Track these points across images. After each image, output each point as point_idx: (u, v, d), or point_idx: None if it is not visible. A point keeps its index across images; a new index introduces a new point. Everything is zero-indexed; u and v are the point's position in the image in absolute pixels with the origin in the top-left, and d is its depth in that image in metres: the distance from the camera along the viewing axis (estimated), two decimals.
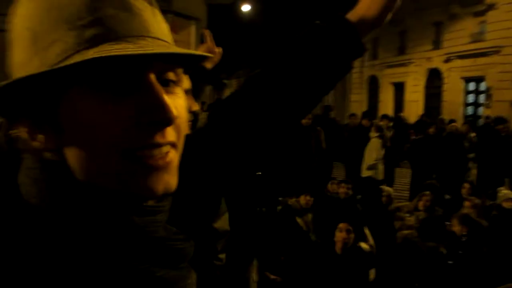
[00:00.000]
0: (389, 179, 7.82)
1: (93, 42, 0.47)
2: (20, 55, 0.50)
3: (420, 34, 21.41)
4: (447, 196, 6.45)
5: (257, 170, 3.22)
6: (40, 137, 0.50)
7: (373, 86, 25.89)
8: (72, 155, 0.50)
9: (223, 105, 0.86)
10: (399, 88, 23.40)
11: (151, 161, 0.50)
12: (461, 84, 19.20)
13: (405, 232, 4.88)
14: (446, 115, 14.43)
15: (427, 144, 8.35)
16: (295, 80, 0.82)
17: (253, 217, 3.29)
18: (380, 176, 7.43)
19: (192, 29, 9.66)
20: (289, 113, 0.84)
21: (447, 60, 19.99)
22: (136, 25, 0.49)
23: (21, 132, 0.50)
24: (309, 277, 3.77)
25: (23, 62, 0.49)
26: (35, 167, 0.51)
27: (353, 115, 10.55)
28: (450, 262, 4.07)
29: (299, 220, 4.52)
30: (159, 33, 0.52)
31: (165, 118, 0.49)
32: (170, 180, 0.52)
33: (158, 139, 0.50)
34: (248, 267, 3.17)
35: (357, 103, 26.36)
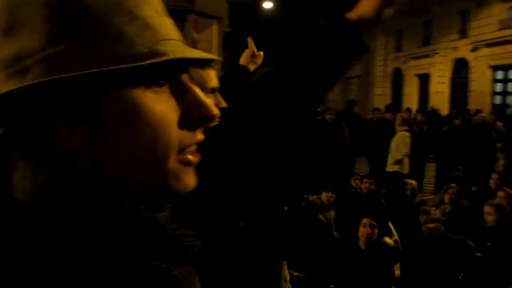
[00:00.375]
0: (417, 174, 7.68)
1: (139, 40, 0.47)
2: (55, 46, 0.45)
3: (446, 23, 20.93)
4: (474, 188, 6.34)
5: (278, 167, 3.23)
6: (66, 135, 0.47)
7: (397, 79, 25.47)
8: (110, 156, 0.48)
9: (235, 103, 0.90)
10: (424, 80, 22.95)
11: (191, 159, 0.52)
12: (489, 73, 18.69)
13: (431, 225, 4.82)
14: (473, 106, 14.11)
15: (453, 136, 8.20)
16: (298, 78, 0.86)
17: (279, 216, 3.32)
18: (406, 170, 7.34)
19: (214, 28, 9.71)
20: (295, 109, 0.88)
21: (474, 49, 19.48)
22: (170, 29, 0.51)
23: (41, 126, 0.46)
24: (333, 273, 3.79)
25: (62, 52, 0.45)
26: (30, 173, 0.47)
27: (377, 109, 10.44)
28: (478, 254, 4.02)
29: (321, 216, 4.53)
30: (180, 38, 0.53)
31: (211, 116, 0.51)
32: (195, 176, 0.54)
33: (199, 137, 0.53)
34: (277, 266, 3.20)
35: (381, 96, 26.00)
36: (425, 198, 5.92)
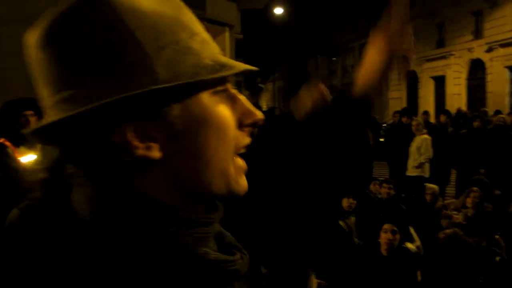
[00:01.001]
0: (439, 178, 7.50)
1: (204, 54, 0.53)
2: (132, 56, 0.49)
3: (459, 24, 20.72)
4: (497, 192, 6.18)
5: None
6: (145, 144, 0.50)
7: (412, 81, 25.25)
8: (184, 159, 0.52)
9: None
10: (439, 82, 22.72)
11: (243, 164, 0.58)
12: (506, 73, 18.41)
13: (447, 231, 4.71)
14: (490, 107, 13.87)
15: (472, 138, 8.04)
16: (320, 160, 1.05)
17: (311, 229, 3.29)
18: (427, 174, 7.20)
19: (226, 35, 9.74)
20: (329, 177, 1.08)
21: (489, 50, 19.23)
22: (215, 44, 0.57)
23: (122, 139, 0.49)
24: (355, 280, 3.70)
25: (137, 62, 0.49)
26: (87, 185, 0.51)
27: (398, 112, 10.28)
28: (498, 258, 3.90)
29: (341, 223, 4.45)
30: None
31: (259, 119, 0.58)
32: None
33: (248, 139, 0.58)
34: (306, 279, 3.17)
35: (396, 100, 25.79)
36: (446, 202, 5.78)
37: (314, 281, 3.39)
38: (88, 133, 0.50)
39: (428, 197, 5.41)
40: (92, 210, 0.50)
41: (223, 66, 0.52)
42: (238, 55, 12.13)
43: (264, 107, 26.16)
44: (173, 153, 0.52)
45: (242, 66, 0.54)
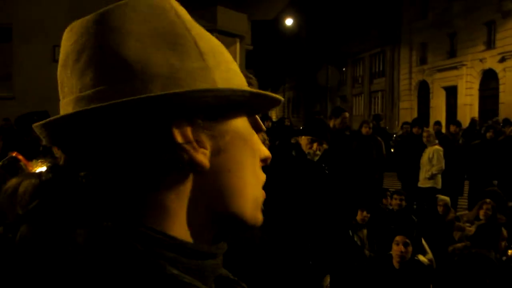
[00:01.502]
0: (451, 189, 7.39)
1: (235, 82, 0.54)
2: (194, 61, 0.50)
3: (471, 35, 20.62)
4: (511, 203, 6.09)
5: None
6: (203, 151, 0.48)
7: (423, 92, 25.12)
8: (224, 175, 0.51)
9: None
10: (451, 93, 22.56)
11: (263, 192, 0.57)
12: None
13: (458, 245, 4.64)
14: (503, 117, 13.71)
15: (485, 149, 7.95)
16: None
17: (332, 234, 3.29)
18: (439, 185, 7.12)
19: (237, 46, 9.81)
20: None
21: (502, 60, 19.09)
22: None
23: (186, 138, 0.48)
24: None
25: (200, 68, 0.50)
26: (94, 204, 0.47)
27: (406, 123, 10.21)
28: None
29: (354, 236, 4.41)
30: None
31: (269, 158, 0.58)
32: None
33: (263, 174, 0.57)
34: (322, 282, 3.17)
35: (407, 110, 25.65)
36: (459, 213, 5.70)
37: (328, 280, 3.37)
38: (139, 128, 0.46)
39: (440, 209, 5.35)
40: (91, 242, 0.45)
41: (259, 91, 0.54)
42: (248, 66, 12.18)
43: (274, 118, 26.14)
44: (216, 166, 0.49)
45: (273, 94, 0.55)
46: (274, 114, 44.86)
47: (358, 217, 4.65)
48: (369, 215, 4.67)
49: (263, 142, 0.60)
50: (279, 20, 26.39)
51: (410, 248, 3.59)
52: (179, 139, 0.47)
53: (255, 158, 0.54)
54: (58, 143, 0.51)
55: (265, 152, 0.56)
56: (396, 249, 3.59)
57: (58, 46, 0.53)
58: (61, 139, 0.50)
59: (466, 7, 20.57)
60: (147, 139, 0.47)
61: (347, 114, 6.28)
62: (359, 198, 5.11)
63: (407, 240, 3.59)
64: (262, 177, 0.56)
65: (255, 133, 0.56)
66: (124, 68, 0.47)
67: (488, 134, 8.15)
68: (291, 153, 3.28)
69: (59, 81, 0.52)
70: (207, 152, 0.49)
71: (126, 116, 0.45)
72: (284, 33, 33.45)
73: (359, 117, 23.16)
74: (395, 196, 5.31)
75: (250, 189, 0.53)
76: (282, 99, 0.58)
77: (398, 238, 3.60)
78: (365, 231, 4.60)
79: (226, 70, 0.52)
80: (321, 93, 25.21)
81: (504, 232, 4.07)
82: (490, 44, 19.93)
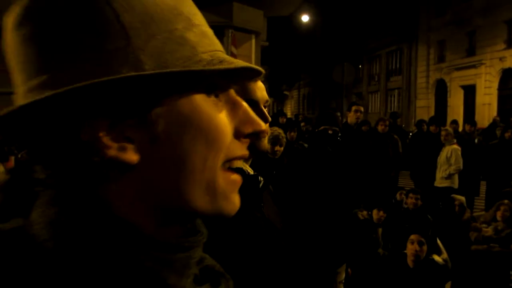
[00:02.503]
0: (468, 189, 7.29)
1: (201, 48, 0.47)
2: (113, 41, 0.44)
3: (491, 33, 20.26)
4: None
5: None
6: (119, 144, 0.44)
7: (441, 90, 24.79)
8: (164, 166, 0.45)
9: None
10: (469, 92, 22.22)
11: (237, 179, 0.51)
12: None
13: (479, 247, 4.58)
14: None
15: (503, 150, 7.81)
16: None
17: (348, 222, 3.34)
18: (456, 185, 7.02)
19: (252, 43, 9.79)
20: None
21: None
22: (218, 41, 0.51)
23: (92, 135, 0.43)
24: None
25: (118, 49, 0.43)
26: (53, 206, 0.44)
27: (423, 121, 10.10)
28: None
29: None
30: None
31: (261, 131, 0.51)
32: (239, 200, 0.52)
33: (246, 151, 0.51)
34: (337, 272, 3.19)
35: (424, 108, 25.35)
36: (475, 214, 5.62)
37: (344, 273, 3.36)
38: (56, 126, 0.43)
39: (456, 209, 5.28)
40: (53, 235, 0.43)
41: (221, 61, 0.46)
42: (264, 62, 12.16)
43: (289, 114, 26.07)
44: (152, 159, 0.45)
45: (242, 63, 0.47)
46: (289, 110, 44.78)
47: (374, 217, 4.62)
48: (385, 214, 4.63)
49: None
50: (295, 17, 26.28)
51: (425, 247, 3.56)
52: (85, 138, 0.43)
53: (209, 141, 0.46)
54: (10, 136, 0.47)
55: (252, 126, 0.50)
56: (410, 248, 3.56)
57: None
58: (11, 133, 0.46)
59: (486, 4, 20.21)
60: (61, 137, 0.44)
61: (358, 108, 6.25)
62: (375, 196, 5.08)
63: (422, 239, 3.55)
64: (236, 157, 0.50)
65: (217, 108, 0.48)
66: (48, 59, 0.43)
67: (507, 134, 8.01)
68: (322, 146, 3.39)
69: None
70: (129, 145, 0.44)
71: (40, 115, 0.42)
72: (300, 29, 33.30)
73: (375, 115, 22.96)
74: (410, 195, 5.25)
75: (198, 176, 0.46)
76: (255, 67, 0.49)
77: (413, 237, 3.57)
78: (380, 230, 4.56)
79: (165, 40, 0.45)
80: (336, 90, 25.06)
81: None
82: (510, 43, 19.56)
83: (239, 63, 0.47)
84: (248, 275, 0.64)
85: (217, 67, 0.45)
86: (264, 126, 0.52)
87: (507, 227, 4.85)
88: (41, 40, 0.43)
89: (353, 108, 6.23)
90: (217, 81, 0.48)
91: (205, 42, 0.48)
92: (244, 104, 0.51)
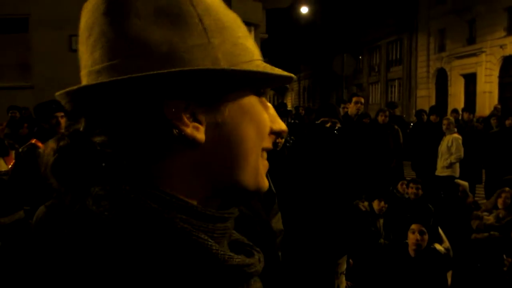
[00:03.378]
0: (469, 177, 7.29)
1: (253, 56, 0.57)
2: (196, 39, 0.52)
3: (491, 21, 20.14)
4: None
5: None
6: (193, 124, 0.52)
7: (441, 79, 24.71)
8: (223, 148, 0.54)
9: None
10: (470, 80, 22.15)
11: (266, 162, 0.60)
12: None
13: (479, 235, 4.59)
14: None
15: (503, 138, 7.80)
16: None
17: (349, 213, 3.37)
18: (457, 173, 7.02)
19: (252, 35, 9.76)
20: None
21: None
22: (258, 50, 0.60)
23: (174, 114, 0.51)
24: (382, 281, 3.65)
25: (201, 46, 0.52)
26: (109, 182, 0.52)
27: (422, 111, 10.07)
28: None
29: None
30: None
31: (285, 131, 0.61)
32: None
33: (271, 145, 0.60)
34: (338, 263, 3.21)
35: (425, 98, 25.29)
36: (478, 201, 5.63)
37: (343, 281, 3.38)
38: (133, 103, 0.50)
39: (459, 194, 5.29)
40: (110, 207, 0.50)
41: (272, 68, 0.56)
42: (264, 55, 12.10)
43: (289, 106, 26.01)
44: (214, 140, 0.53)
45: (282, 71, 0.57)
46: (289, 102, 44.69)
47: (376, 207, 4.63)
48: (386, 205, 4.64)
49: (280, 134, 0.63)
50: (294, 8, 26.13)
51: (426, 237, 3.57)
52: (169, 115, 0.50)
53: (258, 131, 0.56)
54: (77, 110, 0.55)
55: (278, 125, 0.60)
56: (412, 238, 3.57)
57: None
58: (79, 107, 0.54)
59: None
60: (142, 114, 0.51)
61: (358, 99, 6.27)
62: (376, 187, 5.09)
63: (423, 229, 3.57)
64: (267, 148, 0.59)
65: (262, 106, 0.58)
66: (127, 45, 0.50)
67: (508, 122, 8.01)
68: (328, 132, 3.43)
69: (79, 56, 0.56)
70: (201, 126, 0.52)
71: (122, 93, 0.49)
72: (299, 21, 33.14)
73: (376, 106, 22.93)
74: (411, 184, 5.26)
75: (249, 157, 0.56)
76: (293, 76, 0.59)
77: (414, 226, 3.58)
78: (381, 220, 4.58)
79: (233, 45, 0.54)
80: (337, 82, 24.99)
81: None
82: (510, 30, 19.46)
83: (280, 70, 0.57)
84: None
85: (269, 71, 0.55)
86: (285, 128, 0.61)
87: (508, 215, 4.86)
88: (127, 27, 0.50)
89: (354, 99, 6.28)
90: (262, 83, 0.57)
91: (257, 51, 0.58)
92: (271, 106, 0.61)
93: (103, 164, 0.53)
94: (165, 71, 0.48)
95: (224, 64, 0.52)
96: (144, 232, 0.49)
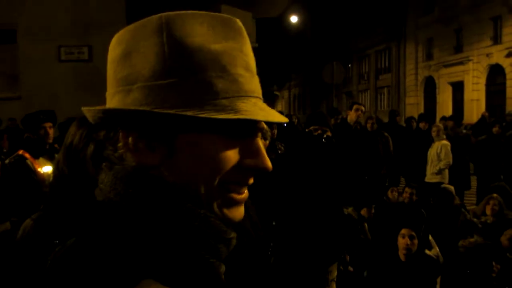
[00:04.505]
0: (458, 184, 7.36)
1: (225, 94, 0.57)
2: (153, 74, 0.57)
3: (478, 30, 20.47)
4: None
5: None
6: (146, 152, 0.58)
7: (430, 87, 24.98)
8: (176, 174, 0.58)
9: None
10: (457, 88, 22.43)
11: (235, 196, 0.61)
12: None
13: (465, 242, 4.63)
14: None
15: (491, 144, 7.89)
16: None
17: (339, 220, 3.36)
18: (447, 180, 7.09)
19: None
20: None
21: (508, 55, 18.95)
22: (254, 86, 0.60)
23: (126, 144, 0.58)
24: (372, 285, 3.66)
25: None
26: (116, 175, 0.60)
27: (412, 118, 10.18)
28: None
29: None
30: (260, 94, 0.63)
31: (264, 169, 0.61)
32: (243, 211, 0.63)
33: (248, 180, 0.62)
34: (328, 270, 3.20)
35: (413, 105, 25.53)
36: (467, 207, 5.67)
37: (335, 271, 3.37)
38: (110, 128, 0.61)
39: (447, 197, 5.33)
40: (122, 189, 0.58)
41: (233, 110, 0.56)
42: None
43: None
44: (167, 166, 0.59)
45: (252, 115, 0.57)
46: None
47: (364, 214, 4.65)
48: (373, 211, 4.66)
49: (273, 146, 0.63)
50: (284, 17, 26.29)
51: (416, 241, 3.59)
52: (123, 143, 0.59)
53: (211, 168, 0.58)
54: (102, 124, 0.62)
55: (254, 163, 0.60)
56: (402, 242, 3.59)
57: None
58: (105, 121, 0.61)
59: (473, 2, 20.43)
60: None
61: (359, 107, 6.41)
62: (365, 194, 5.11)
63: (413, 233, 3.58)
64: (234, 181, 0.60)
65: (227, 145, 0.59)
66: (114, 80, 0.61)
67: (495, 129, 8.11)
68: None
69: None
70: (151, 155, 0.58)
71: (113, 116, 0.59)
72: (289, 30, 33.37)
73: (366, 114, 23.11)
74: (406, 189, 5.28)
75: (203, 190, 0.59)
76: (250, 118, 0.58)
77: (403, 231, 3.60)
78: (366, 225, 4.60)
79: (194, 83, 0.56)
80: (327, 90, 25.14)
81: None
82: (496, 39, 19.78)
83: (248, 114, 0.56)
84: (238, 275, 0.68)
85: (222, 116, 0.55)
86: (268, 166, 0.61)
87: (496, 221, 4.91)
88: (116, 65, 0.59)
89: (354, 107, 6.42)
90: (235, 124, 0.57)
91: (232, 89, 0.57)
92: (259, 146, 0.61)
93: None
94: (118, 108, 0.58)
95: (186, 106, 0.55)
96: (159, 210, 0.56)
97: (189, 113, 0.54)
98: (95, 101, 0.69)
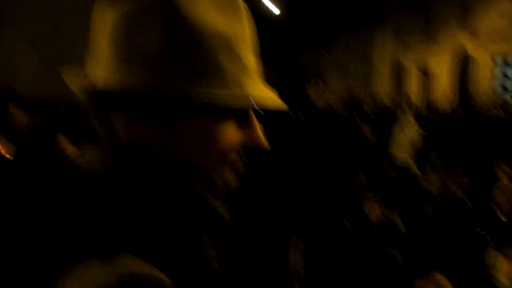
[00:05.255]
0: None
1: (231, 71, 0.58)
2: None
3: (447, 15, 20.77)
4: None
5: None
6: (146, 130, 0.56)
7: (398, 73, 25.27)
8: (179, 150, 0.57)
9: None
10: (426, 74, 22.77)
11: (235, 171, 0.63)
12: (493, 65, 18.57)
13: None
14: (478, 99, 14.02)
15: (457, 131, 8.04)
16: None
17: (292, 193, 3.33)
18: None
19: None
20: None
21: (477, 41, 19.31)
22: (257, 66, 0.63)
23: (124, 123, 0.57)
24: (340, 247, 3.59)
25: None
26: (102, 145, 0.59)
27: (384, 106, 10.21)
28: None
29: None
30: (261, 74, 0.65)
31: (262, 144, 0.63)
32: (238, 185, 0.65)
33: (244, 156, 0.63)
34: (288, 250, 3.13)
35: (384, 94, 25.83)
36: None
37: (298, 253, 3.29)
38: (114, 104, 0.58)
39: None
40: (112, 164, 0.57)
41: (243, 99, 0.57)
42: None
43: None
44: (170, 143, 0.58)
45: (266, 103, 0.59)
46: None
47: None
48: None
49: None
50: (257, 3, 26.05)
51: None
52: (120, 122, 0.58)
53: (218, 149, 0.59)
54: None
55: (254, 142, 0.63)
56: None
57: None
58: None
59: None
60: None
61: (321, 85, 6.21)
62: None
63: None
64: (231, 161, 0.62)
65: (232, 127, 0.60)
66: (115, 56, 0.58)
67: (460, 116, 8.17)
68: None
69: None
70: (151, 134, 0.57)
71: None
72: (264, 16, 33.00)
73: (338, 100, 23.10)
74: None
75: (204, 169, 0.60)
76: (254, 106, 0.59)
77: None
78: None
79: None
80: (300, 76, 25.12)
81: None
82: (465, 25, 20.08)
83: (259, 101, 0.58)
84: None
85: (228, 104, 0.56)
86: (267, 147, 0.63)
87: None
88: (115, 39, 0.55)
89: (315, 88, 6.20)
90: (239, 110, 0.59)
91: (239, 66, 0.59)
92: (257, 127, 0.63)
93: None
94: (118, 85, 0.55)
95: (195, 85, 0.55)
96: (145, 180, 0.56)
97: (193, 94, 0.54)
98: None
